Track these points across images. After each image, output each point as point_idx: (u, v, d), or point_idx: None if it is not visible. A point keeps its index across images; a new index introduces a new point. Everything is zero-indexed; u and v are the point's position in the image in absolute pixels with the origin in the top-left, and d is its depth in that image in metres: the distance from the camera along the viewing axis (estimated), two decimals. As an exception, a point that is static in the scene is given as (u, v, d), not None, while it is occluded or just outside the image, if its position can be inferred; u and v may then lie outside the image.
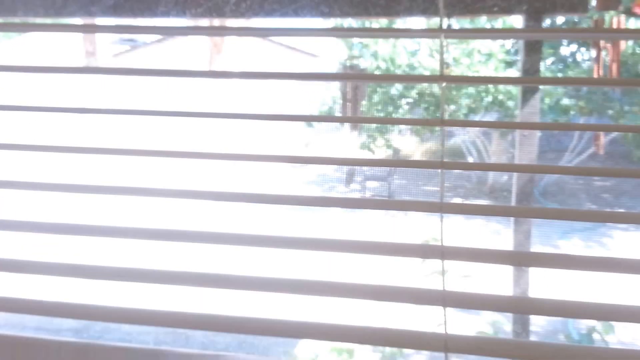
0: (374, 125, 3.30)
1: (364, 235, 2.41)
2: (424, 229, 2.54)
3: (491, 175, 3.43)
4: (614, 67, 2.22)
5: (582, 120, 2.87)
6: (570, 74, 2.82)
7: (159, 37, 3.93)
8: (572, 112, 2.96)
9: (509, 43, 3.13)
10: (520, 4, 2.05)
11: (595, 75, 2.30)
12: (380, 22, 2.94)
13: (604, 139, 2.91)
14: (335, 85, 3.24)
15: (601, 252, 2.95)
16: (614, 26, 2.10)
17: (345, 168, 3.52)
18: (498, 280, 2.39)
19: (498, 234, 3.23)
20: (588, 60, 2.85)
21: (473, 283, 2.32)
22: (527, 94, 2.22)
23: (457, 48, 2.81)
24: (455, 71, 2.88)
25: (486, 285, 2.29)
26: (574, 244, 3.06)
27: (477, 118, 3.10)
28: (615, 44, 2.18)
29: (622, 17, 2.08)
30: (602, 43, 2.18)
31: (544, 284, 2.34)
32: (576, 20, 2.43)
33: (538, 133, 2.27)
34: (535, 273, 1.96)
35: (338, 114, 3.31)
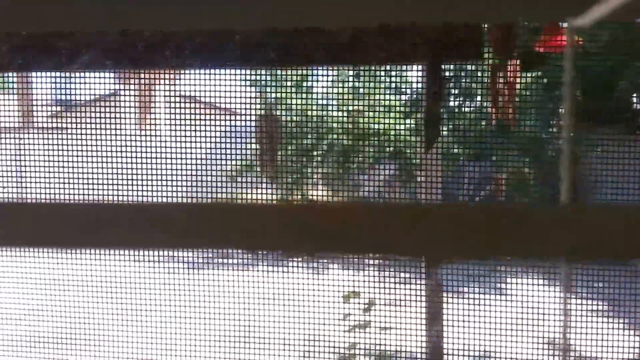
0: (289, 178, 3.49)
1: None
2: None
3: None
4: (511, 109, 2.43)
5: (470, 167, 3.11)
6: (459, 124, 3.10)
7: (93, 96, 4.10)
8: (460, 159, 3.22)
9: (405, 96, 3.44)
10: (418, 55, 2.28)
11: (493, 119, 2.51)
12: (296, 73, 3.18)
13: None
14: (252, 139, 3.43)
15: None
16: (510, 69, 2.34)
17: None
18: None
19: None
20: (474, 110, 3.13)
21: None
22: (429, 142, 2.42)
23: (365, 100, 3.06)
24: (361, 120, 3.13)
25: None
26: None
27: (380, 167, 3.33)
28: (510, 86, 2.40)
29: (517, 61, 2.30)
30: (499, 86, 2.41)
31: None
32: (472, 68, 2.67)
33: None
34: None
35: (256, 166, 3.48)
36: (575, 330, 2.19)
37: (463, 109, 3.09)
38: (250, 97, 3.35)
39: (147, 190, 3.03)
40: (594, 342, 2.20)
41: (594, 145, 2.51)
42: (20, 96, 4.60)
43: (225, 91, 2.93)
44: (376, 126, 2.96)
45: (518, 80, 2.19)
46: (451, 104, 3.05)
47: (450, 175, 3.00)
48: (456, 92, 3.01)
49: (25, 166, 3.61)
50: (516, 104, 2.38)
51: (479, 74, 2.61)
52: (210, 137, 3.66)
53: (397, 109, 3.07)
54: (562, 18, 1.78)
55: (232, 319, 2.60)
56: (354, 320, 2.41)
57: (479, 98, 2.92)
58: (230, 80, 2.90)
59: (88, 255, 2.76)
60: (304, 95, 3.16)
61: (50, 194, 3.29)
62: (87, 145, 3.50)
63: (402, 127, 3.27)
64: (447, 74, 2.90)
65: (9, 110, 3.62)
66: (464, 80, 2.90)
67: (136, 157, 3.20)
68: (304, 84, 3.36)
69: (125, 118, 4.00)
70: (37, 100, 4.85)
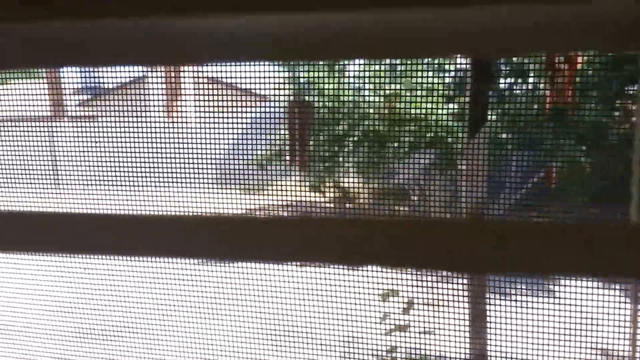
0: (321, 166, 3.35)
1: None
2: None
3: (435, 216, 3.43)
4: (570, 91, 2.20)
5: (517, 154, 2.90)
6: (509, 108, 2.87)
7: (120, 82, 4.03)
8: (507, 148, 3.00)
9: (448, 78, 3.23)
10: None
11: (548, 102, 2.28)
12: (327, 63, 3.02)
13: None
14: (282, 126, 3.30)
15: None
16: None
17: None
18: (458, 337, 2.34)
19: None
20: (525, 91, 2.89)
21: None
22: (474, 128, 2.22)
23: (400, 83, 2.88)
24: (398, 106, 2.94)
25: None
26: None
27: (417, 155, 3.14)
28: (569, 65, 2.16)
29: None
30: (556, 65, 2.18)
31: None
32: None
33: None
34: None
35: (286, 154, 3.35)
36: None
37: (514, 91, 2.87)
38: (281, 81, 3.22)
39: (175, 179, 2.96)
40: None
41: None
42: (50, 84, 4.57)
43: (254, 76, 2.80)
44: (415, 111, 2.78)
45: (579, 57, 1.97)
46: (500, 85, 2.83)
47: (496, 164, 2.79)
48: (506, 72, 2.79)
49: (58, 156, 3.58)
50: (576, 85, 2.15)
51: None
52: (239, 123, 3.55)
53: (439, 92, 2.88)
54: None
55: (265, 317, 2.49)
56: (393, 321, 2.27)
57: (532, 80, 2.69)
58: (259, 64, 2.78)
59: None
60: (337, 79, 3.00)
61: (81, 183, 3.26)
62: (116, 133, 3.42)
63: (444, 111, 3.07)
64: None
65: (39, 99, 3.57)
66: (515, 59, 2.68)
67: (164, 145, 3.14)
68: (337, 66, 3.20)
69: (153, 105, 3.92)
70: (66, 88, 4.82)
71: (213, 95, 3.46)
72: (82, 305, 2.85)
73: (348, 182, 3.42)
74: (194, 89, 4.00)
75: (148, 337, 2.68)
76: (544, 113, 2.36)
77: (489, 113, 2.25)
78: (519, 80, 2.76)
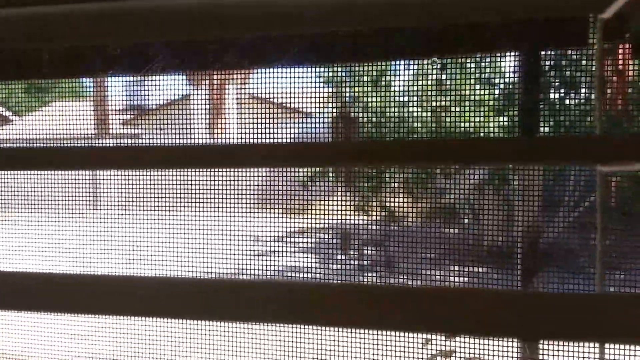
0: (366, 185, 3.29)
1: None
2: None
3: (487, 239, 3.31)
4: (620, 101, 2.12)
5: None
6: (562, 120, 2.77)
7: (165, 100, 4.11)
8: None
9: (497, 90, 3.14)
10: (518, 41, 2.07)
11: (598, 114, 2.21)
12: (373, 68, 2.99)
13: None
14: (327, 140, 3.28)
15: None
16: (621, 55, 2.04)
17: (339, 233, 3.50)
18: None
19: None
20: (577, 103, 2.79)
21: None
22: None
23: (447, 96, 2.82)
24: (448, 119, 2.89)
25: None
26: None
27: (469, 170, 3.05)
28: (621, 75, 2.09)
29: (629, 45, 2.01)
30: (608, 75, 2.11)
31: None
32: (576, 55, 2.39)
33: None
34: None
35: (331, 172, 3.32)
36: None
37: (566, 101, 2.78)
38: (325, 96, 3.21)
39: (219, 198, 2.98)
40: None
41: None
42: (96, 103, 4.70)
43: (298, 91, 2.81)
44: (464, 124, 2.72)
45: (631, 67, 1.90)
46: (551, 97, 2.75)
47: (551, 179, 2.70)
48: (557, 83, 2.71)
49: (99, 176, 3.65)
50: (629, 95, 2.07)
51: (584, 62, 2.31)
52: (283, 139, 3.56)
53: (489, 104, 2.81)
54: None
55: (304, 338, 2.46)
56: (436, 348, 2.19)
57: (583, 90, 2.60)
58: (303, 78, 2.78)
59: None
60: (383, 92, 2.97)
61: (122, 203, 3.31)
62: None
63: (494, 124, 3.00)
64: (546, 63, 2.62)
65: (85, 117, 3.67)
66: (566, 70, 2.60)
67: (208, 163, 3.13)
68: (383, 79, 3.17)
69: (197, 122, 3.97)
70: (112, 106, 4.95)
71: (256, 112, 3.49)
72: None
73: (394, 202, 3.37)
74: (238, 106, 4.04)
75: None
76: (597, 124, 2.26)
77: (541, 125, 2.17)
78: (571, 92, 2.67)
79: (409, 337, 2.12)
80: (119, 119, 4.99)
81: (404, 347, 2.14)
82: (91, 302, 0.54)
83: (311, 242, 3.64)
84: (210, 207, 2.90)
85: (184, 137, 3.39)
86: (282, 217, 3.29)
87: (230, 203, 2.91)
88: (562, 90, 2.76)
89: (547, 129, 2.34)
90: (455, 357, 2.22)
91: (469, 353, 2.07)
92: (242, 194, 3.05)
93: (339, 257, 3.23)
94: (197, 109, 4.03)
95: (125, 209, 3.11)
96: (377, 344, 2.22)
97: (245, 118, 3.90)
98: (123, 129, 5.03)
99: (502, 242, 2.96)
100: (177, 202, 3.06)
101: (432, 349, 2.28)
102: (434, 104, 2.79)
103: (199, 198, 2.98)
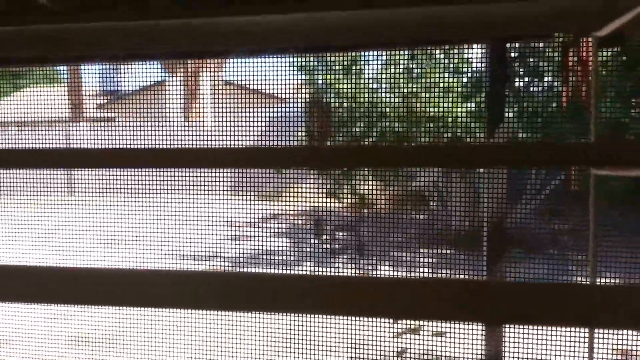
0: (337, 171, 3.37)
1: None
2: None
3: (455, 223, 3.43)
4: (584, 89, 2.24)
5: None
6: (527, 106, 2.87)
7: (140, 86, 4.15)
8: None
9: (465, 77, 3.23)
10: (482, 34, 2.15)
11: (564, 101, 2.32)
12: (344, 58, 3.07)
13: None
14: (300, 128, 3.35)
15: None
16: (584, 46, 2.15)
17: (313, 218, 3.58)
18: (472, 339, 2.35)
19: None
20: (542, 91, 2.89)
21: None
22: (492, 127, 2.27)
23: (417, 82, 2.90)
24: (416, 105, 2.97)
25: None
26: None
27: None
28: (584, 64, 2.20)
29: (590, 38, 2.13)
30: (571, 64, 2.22)
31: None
32: (541, 46, 2.49)
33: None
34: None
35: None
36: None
37: (531, 89, 2.88)
38: (299, 83, 3.28)
39: (195, 180, 3.03)
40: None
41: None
42: (71, 88, 4.71)
43: (272, 78, 2.87)
44: (433, 110, 2.81)
45: (593, 58, 2.00)
46: (517, 84, 2.85)
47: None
48: (522, 72, 2.81)
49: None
50: (591, 83, 2.17)
51: (548, 52, 2.42)
52: (256, 126, 3.60)
53: (456, 91, 2.90)
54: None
55: (276, 318, 2.54)
56: (404, 324, 2.30)
57: (548, 78, 2.70)
58: (277, 66, 2.84)
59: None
60: (354, 80, 3.05)
61: (98, 186, 3.33)
62: (134, 135, 3.51)
63: (462, 111, 3.10)
64: (512, 53, 2.72)
65: (60, 102, 3.68)
66: (531, 59, 2.69)
67: (182, 147, 3.19)
68: (354, 67, 3.24)
69: (172, 107, 4.00)
70: (87, 91, 4.97)
71: (230, 98, 3.54)
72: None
73: (366, 188, 3.46)
74: (212, 92, 4.09)
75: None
76: (561, 112, 2.38)
77: (506, 112, 2.27)
78: (535, 80, 2.77)
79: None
80: (94, 103, 5.00)
81: (374, 324, 2.24)
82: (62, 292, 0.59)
83: (285, 227, 3.71)
84: (185, 192, 2.96)
85: (160, 122, 3.42)
86: (257, 202, 3.37)
87: (205, 189, 2.97)
88: (527, 79, 2.86)
89: (510, 115, 2.44)
90: (422, 332, 2.33)
91: (435, 328, 2.18)
92: (217, 180, 3.11)
93: (312, 241, 3.32)
94: (172, 95, 4.07)
95: (100, 196, 3.16)
96: (349, 322, 2.31)
97: (220, 104, 3.95)
98: (98, 112, 5.04)
99: (469, 227, 3.08)
100: (151, 188, 3.12)
101: (400, 326, 2.38)
102: (404, 90, 2.87)
103: (173, 183, 3.03)
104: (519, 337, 2.03)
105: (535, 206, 3.14)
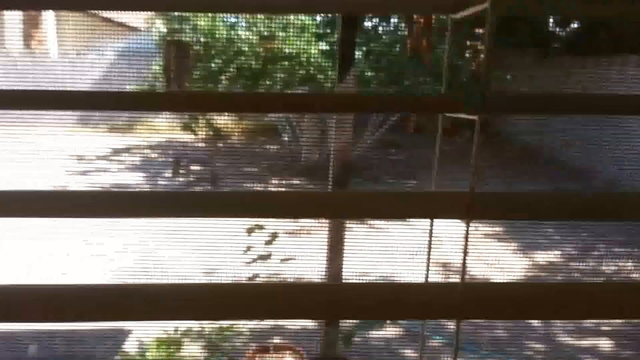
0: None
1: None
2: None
3: (304, 154, 3.73)
4: (425, 40, 2.54)
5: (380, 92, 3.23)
6: (374, 46, 3.20)
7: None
8: (373, 84, 3.32)
9: (319, 17, 3.49)
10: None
11: (407, 48, 2.62)
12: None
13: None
14: (156, 60, 3.39)
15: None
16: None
17: (170, 152, 3.67)
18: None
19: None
20: (389, 32, 3.23)
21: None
22: (344, 67, 2.50)
23: (273, 21, 3.07)
24: (273, 44, 3.16)
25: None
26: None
27: (289, 91, 3.39)
28: (426, 24, 2.50)
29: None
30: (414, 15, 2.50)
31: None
32: None
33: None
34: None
35: (161, 90, 3.45)
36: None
37: (378, 30, 3.18)
38: (154, 16, 3.30)
39: (33, 116, 2.97)
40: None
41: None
42: None
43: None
44: (287, 49, 3.01)
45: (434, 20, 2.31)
46: (366, 24, 3.13)
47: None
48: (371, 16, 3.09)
49: None
50: (433, 30, 2.49)
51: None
52: (106, 56, 3.58)
53: (310, 30, 3.11)
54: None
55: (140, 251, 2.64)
56: (256, 253, 2.52)
57: (394, 20, 3.00)
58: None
59: None
60: (211, 15, 3.14)
61: None
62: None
63: (315, 50, 3.33)
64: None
65: None
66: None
67: (24, 79, 3.12)
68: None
69: (10, 33, 3.85)
70: None
71: (78, 25, 3.48)
72: None
73: (222, 121, 3.59)
74: (56, 17, 3.95)
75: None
76: (405, 54, 2.68)
77: (356, 53, 2.53)
78: (382, 23, 3.06)
79: (231, 245, 2.40)
80: None
81: (228, 254, 2.42)
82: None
83: (138, 160, 3.75)
84: (29, 125, 2.92)
85: (-3, 49, 3.31)
86: (107, 136, 3.38)
87: (50, 123, 2.94)
88: (374, 20, 3.14)
89: (359, 55, 2.68)
90: (272, 259, 2.56)
91: (284, 254, 2.41)
92: (63, 113, 3.08)
93: (165, 174, 3.41)
94: (10, 20, 3.89)
95: None
96: (207, 255, 2.47)
97: (65, 31, 3.87)
98: None
99: (317, 157, 3.35)
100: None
101: (251, 254, 2.60)
102: (260, 28, 3.03)
103: (16, 115, 2.97)
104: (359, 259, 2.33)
105: (378, 138, 3.47)
